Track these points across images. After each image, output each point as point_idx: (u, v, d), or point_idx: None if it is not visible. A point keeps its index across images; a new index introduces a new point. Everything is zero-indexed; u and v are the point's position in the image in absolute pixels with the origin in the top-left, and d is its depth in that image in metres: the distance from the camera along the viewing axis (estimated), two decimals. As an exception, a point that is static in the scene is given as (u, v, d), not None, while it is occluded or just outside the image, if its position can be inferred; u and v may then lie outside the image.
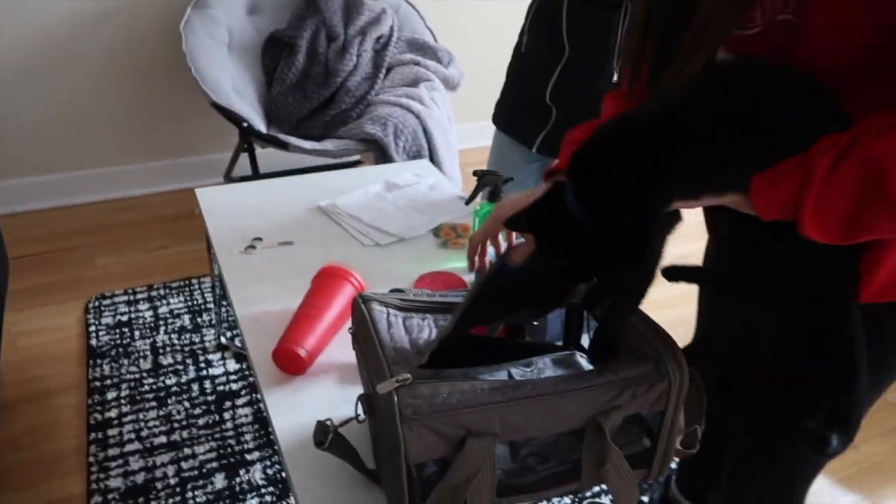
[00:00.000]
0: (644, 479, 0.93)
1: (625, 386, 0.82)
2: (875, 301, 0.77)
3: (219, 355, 1.97)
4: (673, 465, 1.47)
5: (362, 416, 0.84)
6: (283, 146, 2.22)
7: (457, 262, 1.46)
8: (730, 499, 1.09)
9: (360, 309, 0.88)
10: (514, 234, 0.91)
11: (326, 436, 0.85)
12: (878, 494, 1.71)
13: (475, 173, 1.42)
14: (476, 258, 0.95)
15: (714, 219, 0.91)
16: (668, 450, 0.90)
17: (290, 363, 1.10)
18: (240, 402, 1.81)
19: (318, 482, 0.94)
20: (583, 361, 1.01)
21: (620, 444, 0.88)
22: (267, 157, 2.94)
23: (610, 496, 1.08)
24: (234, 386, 1.86)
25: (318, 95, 2.45)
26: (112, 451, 1.64)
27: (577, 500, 1.61)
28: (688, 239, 0.84)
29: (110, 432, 1.70)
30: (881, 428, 1.92)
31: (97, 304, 2.16)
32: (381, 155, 2.29)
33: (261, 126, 2.32)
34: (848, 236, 0.64)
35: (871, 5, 0.60)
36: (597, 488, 1.64)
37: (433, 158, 2.40)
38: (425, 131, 2.36)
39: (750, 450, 1.03)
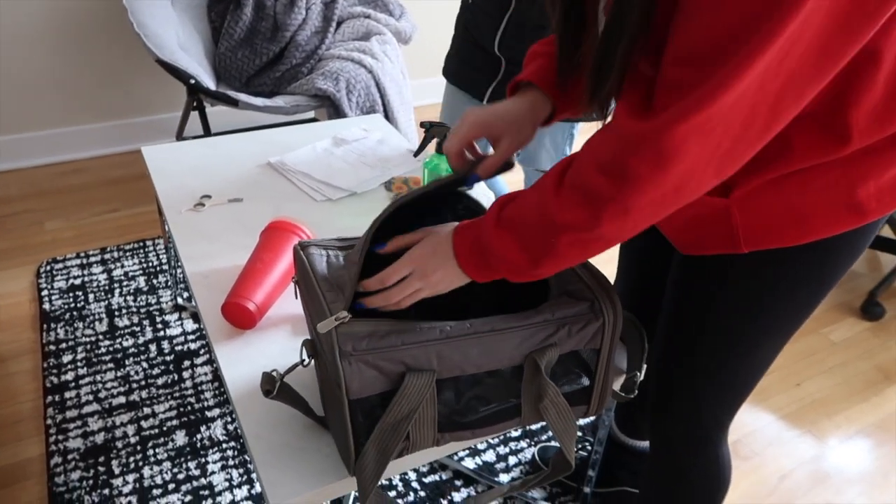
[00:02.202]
0: (584, 415, 0.97)
1: (560, 324, 0.86)
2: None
3: (176, 316, 1.97)
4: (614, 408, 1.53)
5: (307, 361, 0.86)
6: (233, 103, 2.18)
7: (407, 215, 1.47)
8: (653, 428, 1.15)
9: (299, 255, 0.89)
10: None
11: (273, 384, 0.87)
12: (818, 428, 1.81)
13: (423, 125, 1.43)
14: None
15: None
16: (604, 386, 0.94)
17: (240, 317, 1.11)
18: (199, 360, 1.82)
19: (269, 430, 0.96)
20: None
21: (561, 384, 0.92)
22: (219, 116, 2.89)
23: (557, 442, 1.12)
24: (193, 346, 1.87)
25: (268, 51, 2.40)
26: (70, 413, 1.65)
27: (532, 443, 1.67)
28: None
29: (67, 395, 1.69)
30: (822, 366, 2.01)
31: (49, 268, 2.13)
32: (335, 111, 2.27)
33: (209, 83, 2.27)
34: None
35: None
36: (551, 432, 1.70)
37: (387, 113, 2.38)
38: (378, 86, 2.34)
39: (664, 377, 1.07)
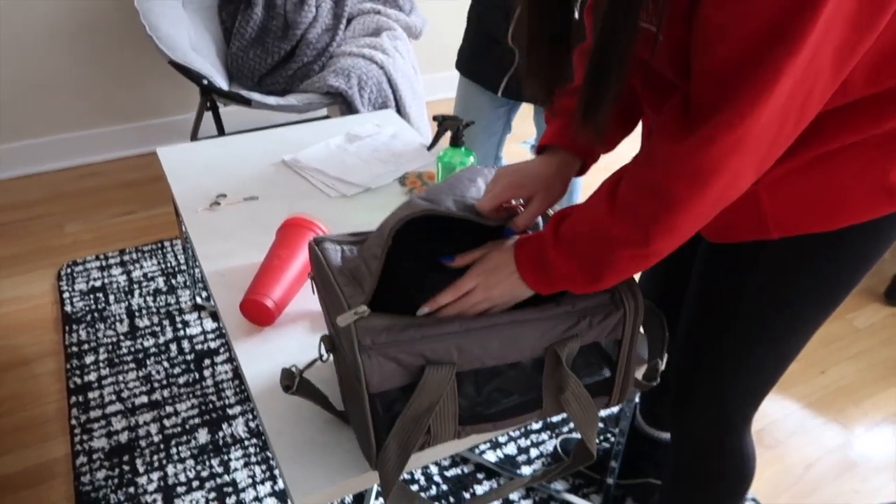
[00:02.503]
0: (606, 406, 0.97)
1: (581, 316, 0.85)
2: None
3: (195, 315, 1.98)
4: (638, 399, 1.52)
5: (325, 356, 0.86)
6: (246, 102, 2.19)
7: (423, 209, 1.46)
8: (675, 418, 1.13)
9: (314, 251, 0.89)
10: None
11: (293, 380, 0.87)
12: (844, 416, 1.78)
13: (436, 118, 1.42)
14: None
15: None
16: (626, 377, 0.93)
17: (258, 314, 1.11)
18: (219, 359, 1.83)
19: (291, 426, 0.96)
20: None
21: (582, 375, 0.91)
22: (233, 116, 2.90)
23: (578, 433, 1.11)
24: (213, 344, 1.88)
25: (279, 49, 2.40)
26: (94, 413, 1.66)
27: (554, 435, 1.66)
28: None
29: (91, 395, 1.71)
30: (847, 353, 1.98)
31: (69, 270, 2.15)
32: (347, 107, 2.27)
33: (222, 83, 2.28)
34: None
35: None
36: (573, 424, 1.69)
37: (400, 109, 2.38)
38: (390, 81, 2.34)
39: (688, 368, 1.06)
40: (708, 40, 0.63)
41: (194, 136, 2.51)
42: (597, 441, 1.65)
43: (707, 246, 0.98)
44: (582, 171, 0.96)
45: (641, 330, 1.03)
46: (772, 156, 0.68)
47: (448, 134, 1.41)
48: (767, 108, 0.62)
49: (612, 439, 1.65)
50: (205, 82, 2.16)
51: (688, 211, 0.69)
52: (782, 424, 1.75)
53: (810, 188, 0.79)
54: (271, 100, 2.22)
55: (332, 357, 0.92)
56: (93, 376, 1.77)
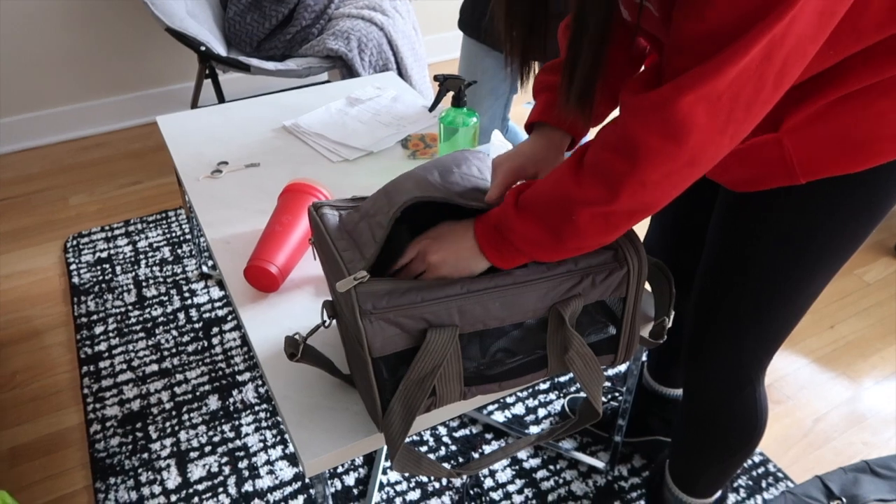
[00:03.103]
0: (611, 365, 0.96)
1: (584, 275, 0.84)
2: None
3: (202, 284, 1.99)
4: (646, 357, 1.52)
5: (328, 322, 0.86)
6: (245, 68, 2.16)
7: (426, 172, 1.45)
8: (689, 373, 1.13)
9: (313, 217, 0.88)
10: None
11: (297, 347, 0.87)
12: (853, 370, 1.78)
13: (436, 78, 1.39)
14: None
15: None
16: (631, 335, 0.93)
17: (263, 280, 1.11)
18: (227, 327, 1.84)
19: (298, 391, 0.97)
20: None
21: (587, 333, 0.91)
22: (232, 83, 2.87)
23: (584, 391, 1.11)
24: (220, 312, 1.89)
25: (277, 13, 2.36)
26: (106, 382, 1.68)
27: (562, 395, 1.67)
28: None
29: (102, 364, 1.73)
30: (856, 307, 1.97)
31: (75, 242, 2.16)
32: (348, 71, 2.24)
33: (220, 49, 2.25)
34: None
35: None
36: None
37: (401, 71, 2.34)
38: (390, 43, 2.30)
39: (704, 319, 1.05)
40: (689, 15, 0.62)
41: (194, 105, 2.48)
42: (604, 399, 1.66)
43: (724, 198, 0.97)
44: (572, 146, 0.96)
45: (648, 287, 1.03)
46: (749, 121, 0.66)
47: (450, 94, 1.39)
48: (740, 65, 0.60)
49: (620, 398, 1.65)
50: (202, 49, 2.13)
51: (658, 165, 0.67)
52: (792, 379, 1.75)
53: (835, 130, 0.77)
54: (270, 65, 2.19)
55: (335, 322, 0.91)
56: (103, 346, 1.78)
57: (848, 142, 0.77)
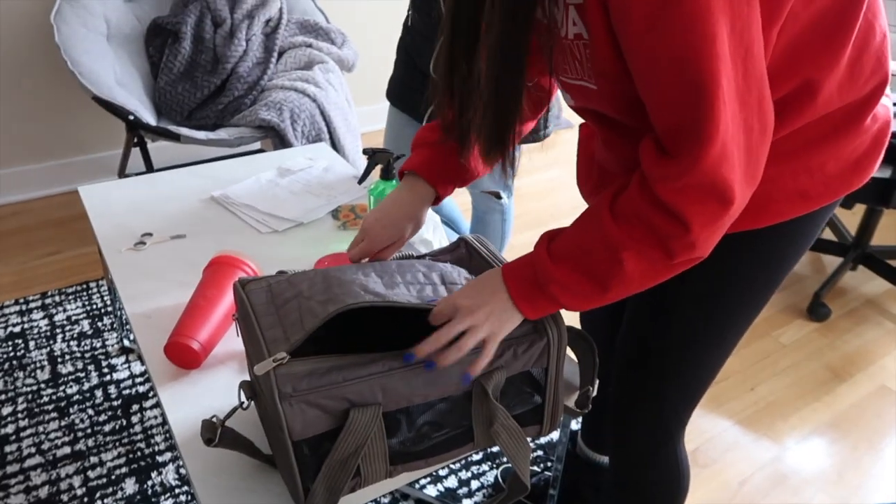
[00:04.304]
0: (537, 436, 0.97)
1: (506, 347, 0.85)
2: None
3: (123, 359, 1.90)
4: (577, 426, 1.53)
5: (246, 403, 0.84)
6: (175, 138, 2.15)
7: (355, 243, 1.46)
8: (614, 434, 1.16)
9: (238, 294, 0.87)
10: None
11: (215, 432, 0.84)
12: (774, 430, 1.84)
13: (365, 152, 1.42)
14: None
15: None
16: (555, 404, 0.94)
17: (184, 357, 1.08)
18: (148, 404, 1.76)
19: (217, 474, 0.93)
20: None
21: (513, 404, 0.92)
22: (162, 152, 2.83)
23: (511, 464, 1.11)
24: (141, 388, 1.81)
25: (209, 83, 2.37)
26: (11, 468, 1.57)
27: (494, 465, 1.65)
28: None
29: (7, 449, 1.62)
30: (774, 369, 2.05)
31: (-14, 317, 2.04)
32: (280, 141, 2.25)
33: (150, 119, 2.23)
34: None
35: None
36: (512, 451, 1.69)
37: (334, 142, 2.37)
38: (323, 114, 2.33)
39: (626, 379, 1.09)
40: (646, 81, 0.69)
41: (122, 173, 2.44)
42: (536, 469, 1.65)
43: None
44: (436, 201, 1.06)
45: (573, 356, 1.04)
46: (754, 160, 0.72)
47: (379, 167, 1.42)
48: (725, 110, 0.66)
49: (550, 467, 1.65)
50: (131, 118, 2.11)
51: (707, 226, 0.73)
52: (718, 441, 1.79)
53: None
54: (201, 134, 2.18)
55: (254, 402, 0.89)
56: (10, 428, 1.67)
57: (749, 202, 0.82)
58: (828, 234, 2.65)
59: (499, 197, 1.91)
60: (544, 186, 2.96)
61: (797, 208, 0.85)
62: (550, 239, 0.83)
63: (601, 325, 1.26)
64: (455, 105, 0.88)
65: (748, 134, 0.70)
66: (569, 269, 0.79)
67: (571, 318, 0.99)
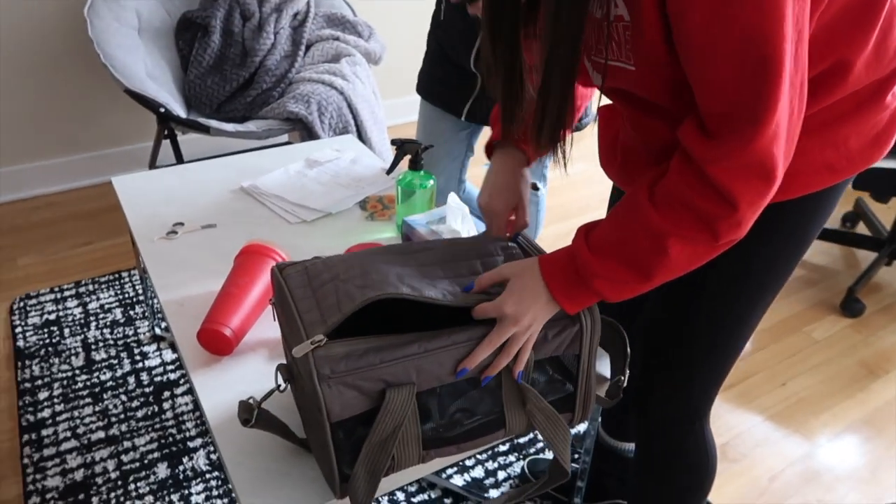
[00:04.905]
0: (570, 423, 0.96)
1: (538, 331, 0.85)
2: None
3: (154, 346, 1.93)
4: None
5: (283, 386, 0.84)
6: (205, 130, 2.17)
7: (384, 233, 1.46)
8: (640, 419, 1.16)
9: (276, 278, 0.88)
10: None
11: (251, 413, 0.85)
12: (806, 427, 1.81)
13: (394, 142, 1.42)
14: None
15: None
16: (587, 392, 0.94)
17: (216, 343, 1.09)
18: (179, 391, 1.79)
19: (251, 457, 0.94)
20: None
21: (545, 392, 0.91)
22: (192, 144, 2.87)
23: (551, 450, 1.11)
24: (172, 376, 1.83)
25: (238, 76, 2.39)
26: (48, 451, 1.60)
27: (521, 457, 1.65)
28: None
29: (44, 432, 1.65)
30: (806, 364, 2.02)
31: (22, 304, 2.09)
32: (308, 133, 2.27)
33: (180, 111, 2.26)
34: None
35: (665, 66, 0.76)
36: (540, 444, 1.69)
37: (361, 134, 2.38)
38: (350, 107, 2.34)
39: (654, 359, 1.09)
40: (703, 63, 0.70)
41: (152, 165, 2.47)
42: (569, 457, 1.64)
43: None
44: (528, 163, 1.06)
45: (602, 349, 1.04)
46: (791, 140, 0.73)
47: (407, 157, 1.42)
48: (785, 91, 0.67)
49: (579, 458, 1.65)
50: (162, 110, 2.13)
51: (752, 205, 0.74)
52: (747, 437, 1.77)
53: None
54: (230, 127, 2.21)
55: (290, 386, 0.90)
56: (47, 413, 1.71)
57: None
58: (862, 229, 2.60)
59: (536, 188, 1.91)
60: (572, 180, 2.95)
61: (823, 180, 0.88)
62: (588, 231, 0.83)
63: (618, 309, 1.26)
64: (506, 97, 0.89)
65: (790, 115, 0.71)
66: (610, 261, 0.80)
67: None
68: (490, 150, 1.08)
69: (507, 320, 0.81)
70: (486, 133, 1.89)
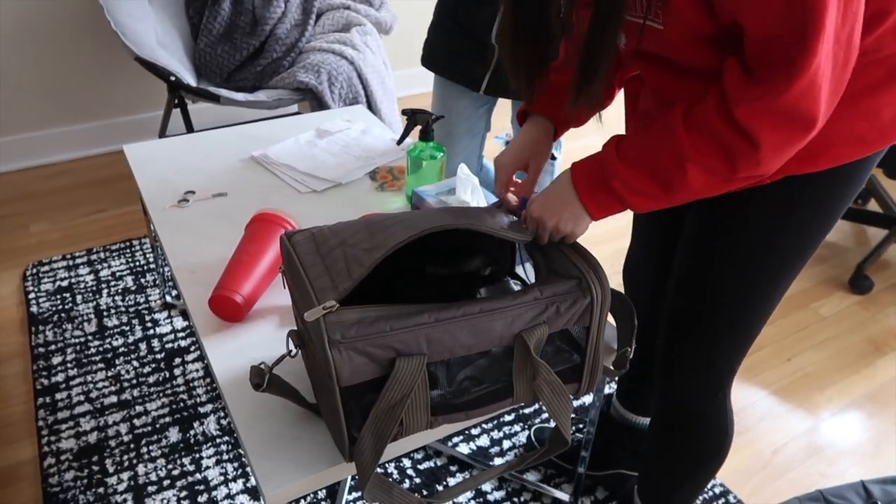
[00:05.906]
0: (575, 394, 0.98)
1: (549, 303, 0.86)
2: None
3: (165, 314, 1.96)
4: (609, 389, 1.53)
5: (294, 351, 0.86)
6: (215, 99, 2.17)
7: (394, 203, 1.47)
8: (663, 388, 1.16)
9: (285, 245, 0.89)
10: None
11: (263, 377, 0.86)
12: (810, 402, 1.82)
13: (405, 112, 1.42)
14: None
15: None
16: (595, 363, 0.95)
17: (227, 310, 1.10)
18: (189, 357, 1.81)
19: (261, 421, 0.96)
20: (515, 287, 1.05)
21: (553, 362, 0.92)
22: (202, 113, 2.87)
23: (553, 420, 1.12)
24: (183, 343, 1.86)
25: (248, 45, 2.38)
26: (62, 414, 1.64)
27: (526, 426, 1.67)
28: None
29: (58, 396, 1.68)
30: (812, 340, 2.03)
31: (35, 271, 2.11)
32: (318, 103, 2.26)
33: (190, 80, 2.25)
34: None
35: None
36: (545, 414, 1.71)
37: (371, 105, 2.37)
38: (360, 77, 2.33)
39: (677, 327, 1.10)
40: (745, 5, 0.71)
41: (163, 134, 2.47)
42: (571, 428, 1.66)
43: (694, 214, 1.04)
44: (556, 136, 1.08)
45: (611, 319, 1.05)
46: (835, 93, 0.74)
47: (418, 128, 1.41)
48: (823, 45, 0.68)
49: (584, 429, 1.66)
50: (172, 79, 2.13)
51: (779, 149, 0.76)
52: (752, 411, 1.78)
53: None
54: (240, 96, 2.20)
55: (301, 351, 0.91)
56: (60, 377, 1.74)
57: (808, 146, 0.83)
58: (873, 206, 2.58)
59: (553, 157, 1.89)
60: (586, 150, 2.93)
61: (854, 152, 0.88)
62: (619, 140, 0.86)
63: (646, 281, 1.28)
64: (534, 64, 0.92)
65: (834, 67, 0.72)
66: (634, 168, 0.83)
67: (615, 281, 1.00)
68: (522, 117, 1.10)
69: (539, 225, 0.90)
70: (501, 105, 1.88)
